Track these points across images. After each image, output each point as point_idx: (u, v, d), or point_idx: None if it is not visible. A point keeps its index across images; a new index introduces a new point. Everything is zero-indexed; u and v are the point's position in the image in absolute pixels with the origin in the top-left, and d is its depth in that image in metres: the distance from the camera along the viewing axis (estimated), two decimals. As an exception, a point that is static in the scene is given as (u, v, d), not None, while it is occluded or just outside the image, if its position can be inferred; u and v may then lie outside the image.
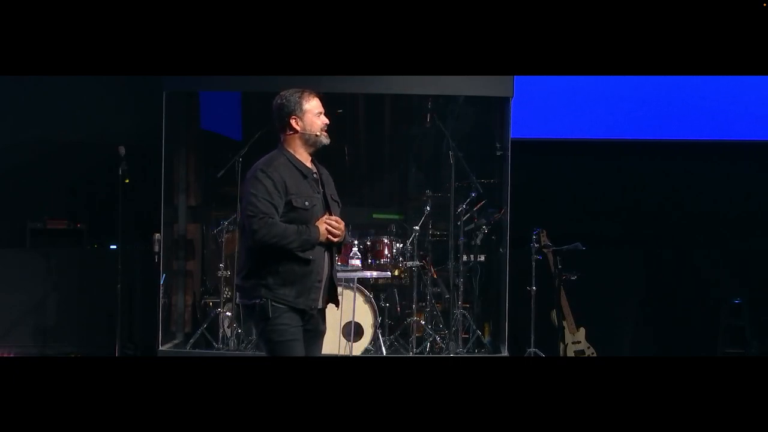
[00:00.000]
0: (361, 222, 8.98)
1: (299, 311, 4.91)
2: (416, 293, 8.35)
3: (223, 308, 8.31)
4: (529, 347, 8.12)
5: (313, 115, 4.99)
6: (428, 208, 8.53)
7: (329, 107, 9.89)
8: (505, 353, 8.10)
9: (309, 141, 4.99)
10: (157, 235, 8.26)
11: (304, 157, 5.00)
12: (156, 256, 8.25)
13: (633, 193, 9.16)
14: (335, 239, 4.95)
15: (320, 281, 4.96)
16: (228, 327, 8.30)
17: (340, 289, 7.90)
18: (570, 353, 8.25)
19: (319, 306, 5.01)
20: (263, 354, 5.03)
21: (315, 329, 5.07)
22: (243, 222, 4.90)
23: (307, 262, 4.88)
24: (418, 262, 8.37)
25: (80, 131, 9.09)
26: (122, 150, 8.06)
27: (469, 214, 8.55)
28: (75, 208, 9.08)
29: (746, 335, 8.84)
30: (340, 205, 5.11)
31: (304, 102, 4.97)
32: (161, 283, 8.28)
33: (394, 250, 8.32)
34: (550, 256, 8.28)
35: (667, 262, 9.15)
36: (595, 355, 8.33)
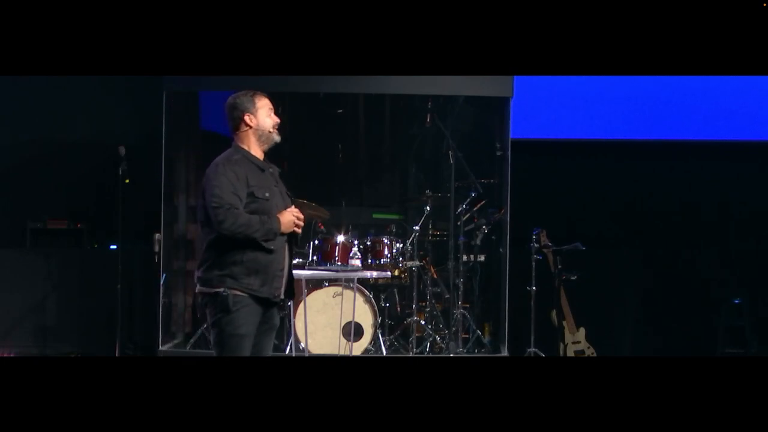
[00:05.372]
0: (361, 222, 8.98)
1: (262, 301, 5.06)
2: (416, 293, 8.35)
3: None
4: (529, 347, 8.13)
5: (265, 112, 5.22)
6: (428, 208, 8.53)
7: (329, 107, 9.91)
8: (505, 353, 8.10)
9: (262, 137, 5.22)
10: (157, 235, 8.27)
11: (258, 153, 5.22)
12: (156, 256, 8.26)
13: (633, 193, 9.16)
14: (299, 230, 5.20)
15: (282, 270, 5.14)
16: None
17: (339, 289, 7.94)
18: (570, 353, 8.25)
19: (281, 296, 5.18)
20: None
21: (270, 323, 5.20)
22: (206, 214, 5.04)
23: (270, 251, 5.06)
24: (418, 262, 8.37)
25: (80, 131, 9.08)
26: (122, 150, 8.06)
27: (469, 214, 8.56)
28: (75, 208, 9.08)
29: (746, 335, 8.84)
30: (292, 200, 5.33)
31: (256, 100, 5.22)
32: (161, 283, 8.29)
33: (394, 250, 8.32)
34: (550, 256, 8.28)
35: (667, 262, 9.15)
36: (595, 355, 8.33)
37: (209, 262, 5.05)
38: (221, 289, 4.98)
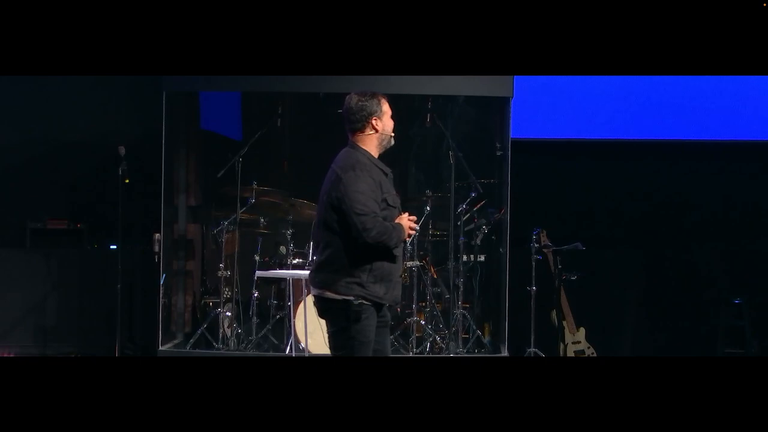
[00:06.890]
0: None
1: (380, 307, 5.06)
2: (416, 293, 8.35)
3: (223, 308, 8.31)
4: (529, 347, 8.13)
5: (388, 117, 5.19)
6: (428, 208, 8.53)
7: (329, 107, 9.91)
8: (505, 353, 8.10)
9: (383, 141, 5.17)
10: (157, 235, 8.27)
11: (376, 156, 5.16)
12: (156, 256, 8.26)
13: (633, 193, 9.16)
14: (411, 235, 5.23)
15: (400, 276, 5.16)
16: (228, 327, 8.30)
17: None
18: (570, 353, 8.25)
19: (399, 303, 5.21)
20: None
21: (385, 320, 5.19)
22: (340, 219, 4.96)
23: (395, 258, 5.05)
24: (418, 262, 8.37)
25: (80, 131, 9.08)
26: (122, 150, 8.07)
27: (469, 214, 8.55)
28: (75, 208, 9.08)
29: (746, 335, 8.84)
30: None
31: (383, 104, 5.16)
32: (161, 283, 8.29)
33: (394, 250, 8.30)
34: (550, 256, 8.28)
35: (666, 262, 9.15)
36: (595, 355, 8.33)
37: (334, 266, 4.99)
38: (352, 298, 4.94)
